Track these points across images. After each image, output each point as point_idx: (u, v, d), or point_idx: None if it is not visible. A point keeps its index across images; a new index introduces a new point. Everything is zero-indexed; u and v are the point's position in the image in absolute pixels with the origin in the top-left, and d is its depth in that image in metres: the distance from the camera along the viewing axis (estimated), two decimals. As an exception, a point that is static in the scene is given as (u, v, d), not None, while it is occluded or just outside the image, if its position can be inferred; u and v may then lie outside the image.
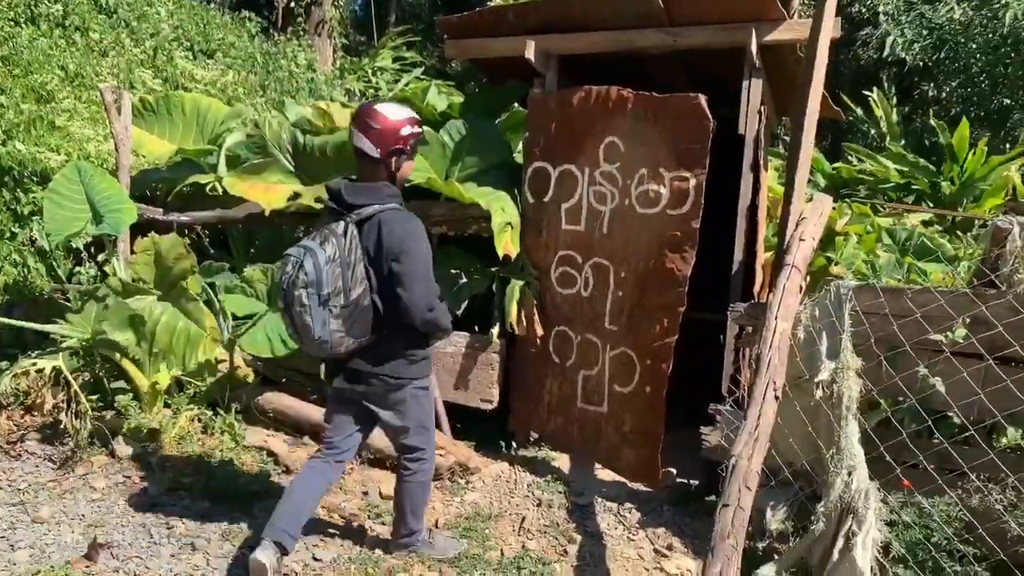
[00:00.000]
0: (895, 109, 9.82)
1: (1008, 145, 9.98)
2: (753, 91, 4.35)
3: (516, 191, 4.74)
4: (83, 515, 3.74)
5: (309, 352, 3.19)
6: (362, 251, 3.06)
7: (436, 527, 3.87)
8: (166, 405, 4.65)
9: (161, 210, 5.25)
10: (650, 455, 4.08)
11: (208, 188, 5.69)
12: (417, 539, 3.52)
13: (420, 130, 3.21)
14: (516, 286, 4.59)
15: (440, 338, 3.36)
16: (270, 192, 4.99)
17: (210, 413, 4.65)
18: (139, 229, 5.06)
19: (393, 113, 3.12)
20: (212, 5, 10.16)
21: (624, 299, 4.37)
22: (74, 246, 5.43)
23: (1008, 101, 10.68)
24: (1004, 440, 3.16)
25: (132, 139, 5.22)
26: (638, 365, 4.31)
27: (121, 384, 4.65)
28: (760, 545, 3.59)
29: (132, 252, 4.84)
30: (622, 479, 4.47)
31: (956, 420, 3.30)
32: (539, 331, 4.59)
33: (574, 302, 4.56)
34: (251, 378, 5.01)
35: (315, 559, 3.53)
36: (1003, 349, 3.20)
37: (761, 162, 4.65)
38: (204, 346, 4.22)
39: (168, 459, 4.27)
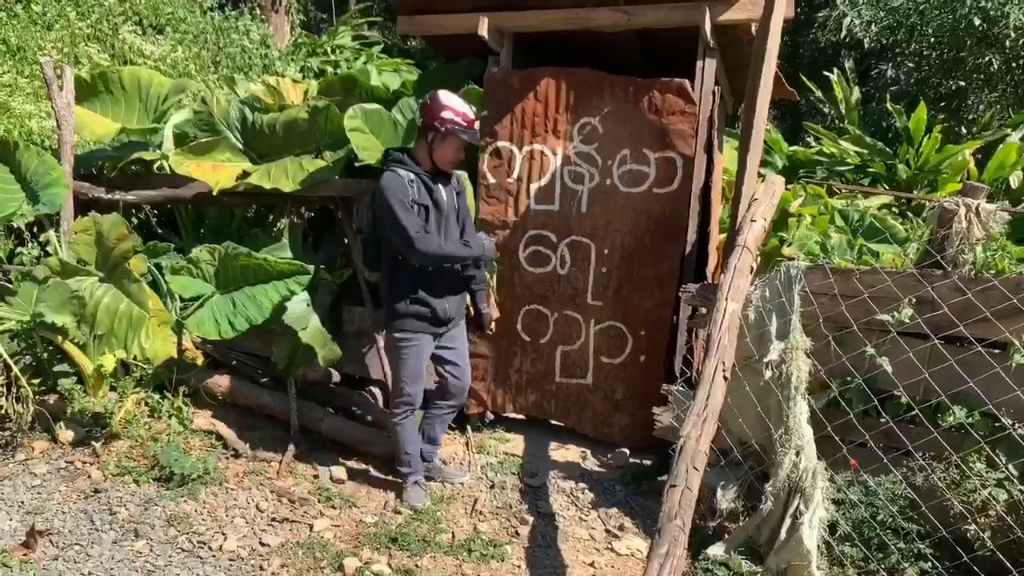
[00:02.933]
0: (854, 90, 9.88)
1: (963, 128, 10.10)
2: (707, 71, 4.33)
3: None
4: (22, 502, 3.65)
5: None
6: (370, 200, 3.79)
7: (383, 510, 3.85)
8: (112, 388, 4.54)
9: (105, 189, 5.09)
10: (645, 419, 4.20)
11: (155, 166, 5.56)
12: (404, 478, 3.98)
13: (463, 124, 3.68)
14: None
15: (476, 269, 3.92)
16: (218, 171, 4.87)
17: (157, 396, 4.55)
18: (83, 209, 4.91)
19: (445, 99, 3.66)
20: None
21: (609, 275, 4.53)
22: (15, 226, 5.26)
23: (962, 83, 10.80)
24: (949, 419, 3.19)
25: (75, 116, 5.05)
26: (630, 337, 4.50)
27: (65, 367, 4.53)
28: (711, 524, 3.61)
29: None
30: (575, 461, 4.46)
31: (903, 399, 3.32)
32: (495, 313, 4.56)
33: (547, 280, 4.69)
34: (200, 361, 4.91)
35: (262, 544, 3.48)
36: (948, 329, 3.23)
37: (715, 143, 4.63)
38: (148, 329, 4.10)
39: (113, 444, 4.17)
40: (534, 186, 4.63)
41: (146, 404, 4.48)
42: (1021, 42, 9.53)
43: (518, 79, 4.60)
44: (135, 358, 4.34)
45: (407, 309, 3.72)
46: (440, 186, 3.75)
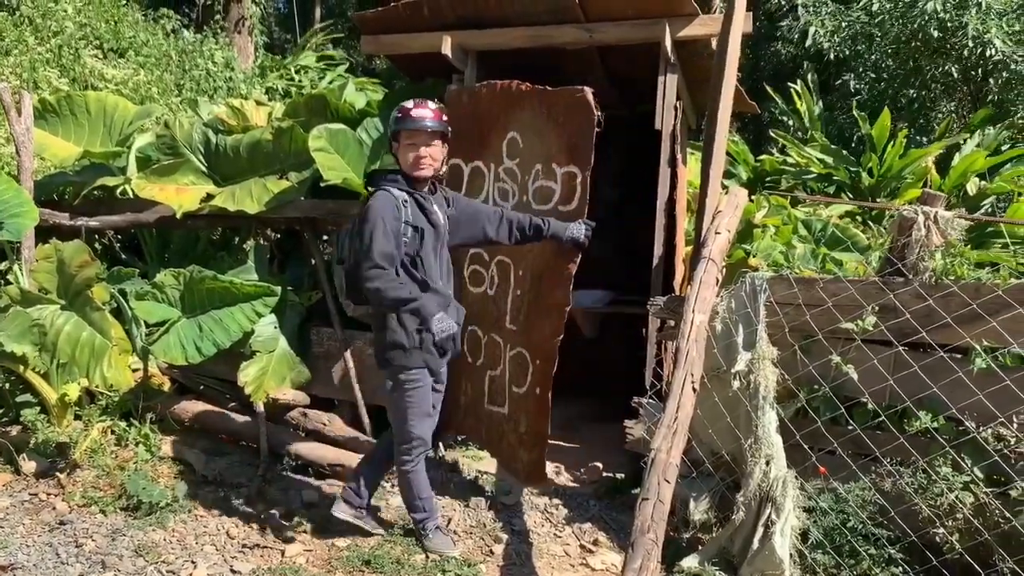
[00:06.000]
0: (817, 101, 10.04)
1: (923, 137, 10.29)
2: (669, 86, 4.38)
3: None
4: (-16, 537, 3.57)
5: None
6: (354, 227, 3.43)
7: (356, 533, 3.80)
8: (76, 417, 4.47)
9: (67, 215, 5.03)
10: (539, 457, 3.89)
11: (118, 191, 5.50)
12: (428, 525, 3.64)
13: (400, 115, 3.42)
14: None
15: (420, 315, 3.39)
16: (182, 194, 4.84)
17: (124, 424, 4.49)
18: (45, 235, 4.85)
19: (403, 103, 3.44)
20: (124, 2, 9.77)
21: (522, 298, 4.08)
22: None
23: (922, 92, 11.00)
24: (915, 425, 3.24)
25: (35, 141, 4.99)
26: (531, 365, 3.99)
27: (27, 397, 4.46)
28: (684, 536, 3.63)
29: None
30: (549, 476, 4.45)
31: (869, 406, 3.36)
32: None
33: (482, 301, 4.31)
34: (167, 387, 4.85)
35: (233, 571, 3.42)
36: (911, 335, 3.27)
37: (679, 157, 4.68)
38: (110, 357, 4.05)
39: (78, 474, 4.10)
40: None
41: (112, 432, 4.42)
42: (979, 51, 9.73)
43: (466, 95, 4.37)
44: (98, 386, 4.28)
45: (413, 342, 3.41)
46: (436, 206, 3.49)
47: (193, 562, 3.46)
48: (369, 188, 3.50)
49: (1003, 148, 8.46)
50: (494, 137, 4.19)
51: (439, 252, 3.50)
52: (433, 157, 3.44)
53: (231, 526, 3.79)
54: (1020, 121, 10.18)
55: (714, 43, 4.34)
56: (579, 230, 3.59)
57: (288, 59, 12.06)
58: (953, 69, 10.39)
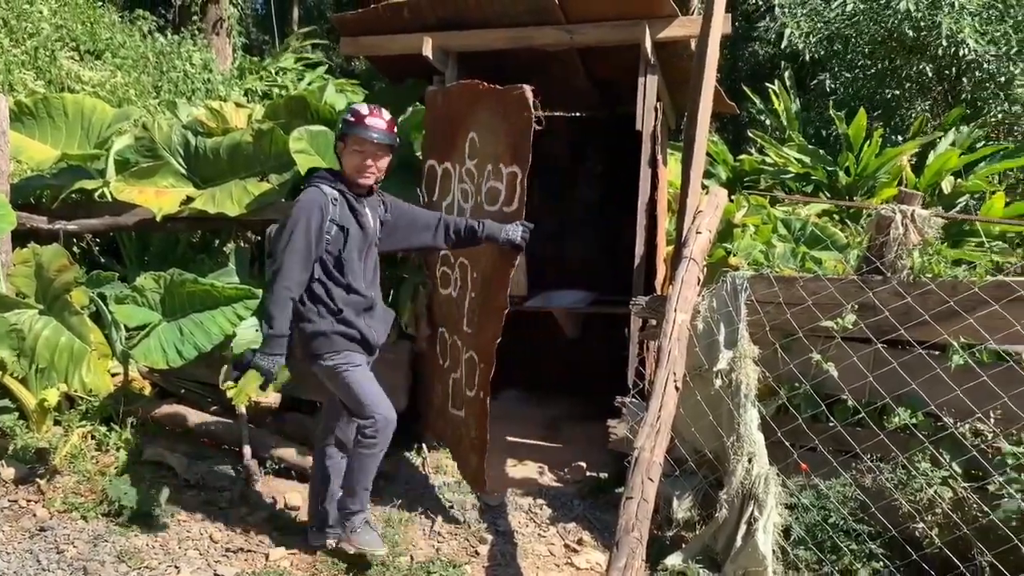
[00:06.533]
0: (794, 100, 10.12)
1: (899, 136, 10.40)
2: (649, 87, 4.40)
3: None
4: (-37, 545, 3.53)
5: None
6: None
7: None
8: (56, 423, 4.42)
9: (45, 218, 4.98)
10: (480, 462, 3.91)
11: (97, 194, 5.44)
12: (357, 519, 3.42)
13: (353, 119, 3.31)
14: (410, 285, 4.54)
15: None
16: (161, 197, 4.80)
17: (104, 429, 4.44)
18: (23, 239, 4.80)
19: (357, 107, 3.36)
20: (100, 3, 9.69)
21: (476, 300, 4.07)
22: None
23: (896, 93, 11.12)
24: (894, 420, 3.28)
25: (11, 144, 4.94)
26: (477, 369, 3.98)
27: (6, 403, 4.41)
28: (668, 534, 3.65)
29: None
30: (532, 477, 4.47)
31: (849, 403, 3.40)
32: (425, 331, 4.51)
33: (448, 303, 4.33)
34: (147, 391, 4.81)
35: (217, 575, 3.41)
36: (890, 333, 3.32)
37: (659, 158, 4.71)
38: (89, 362, 4.01)
39: (58, 480, 4.06)
40: (444, 203, 4.29)
41: (93, 437, 4.38)
42: (953, 50, 9.85)
43: (440, 95, 4.38)
44: (77, 391, 4.25)
45: (333, 328, 3.31)
46: (367, 209, 3.41)
47: (176, 567, 3.44)
48: (303, 186, 3.41)
49: (977, 146, 8.57)
50: (459, 137, 4.18)
51: (365, 255, 3.40)
52: (379, 168, 3.40)
53: (214, 530, 3.77)
54: (993, 120, 10.33)
55: (693, 44, 4.37)
56: (515, 232, 3.59)
57: (267, 61, 12.02)
58: (928, 68, 10.51)
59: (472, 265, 4.07)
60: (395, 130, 3.41)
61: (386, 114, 3.37)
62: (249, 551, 3.61)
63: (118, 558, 3.46)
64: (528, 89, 3.71)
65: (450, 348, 4.28)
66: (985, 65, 10.04)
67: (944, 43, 9.79)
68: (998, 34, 10.03)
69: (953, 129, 8.81)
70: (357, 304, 3.36)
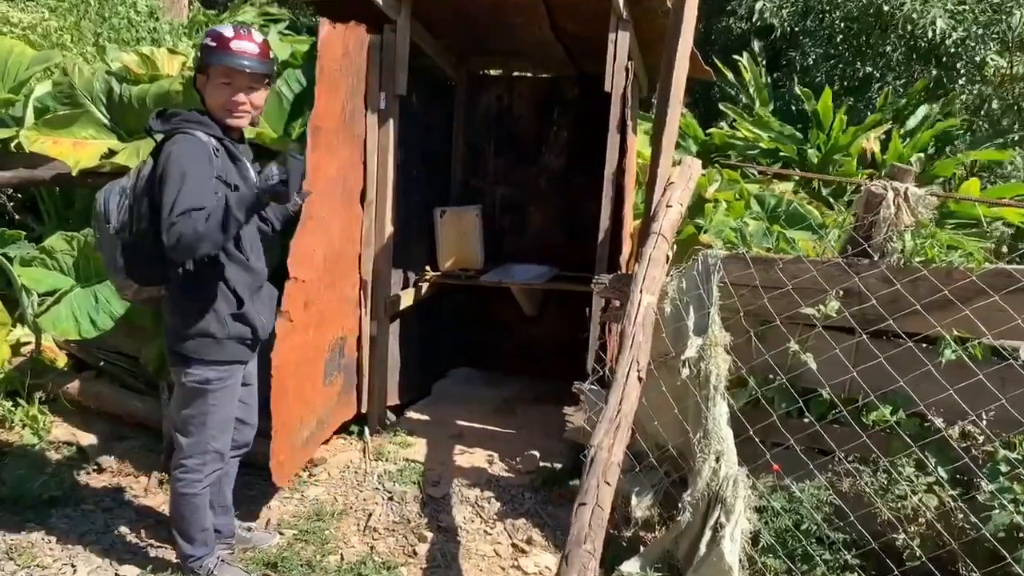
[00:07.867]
0: (764, 74, 9.83)
1: (870, 113, 10.17)
2: (620, 45, 4.03)
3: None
4: None
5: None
6: (147, 184, 2.65)
7: (267, 528, 3.44)
8: (-48, 397, 3.99)
9: (-50, 170, 4.49)
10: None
11: (12, 144, 4.95)
12: (199, 564, 2.92)
13: (214, 44, 2.65)
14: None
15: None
16: (79, 149, 4.33)
17: (8, 404, 4.03)
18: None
19: (219, 28, 2.70)
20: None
21: None
22: None
23: (870, 69, 10.89)
24: (871, 417, 2.98)
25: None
26: None
27: None
28: (626, 534, 3.34)
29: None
30: (481, 466, 4.13)
31: (827, 398, 3.10)
32: None
33: None
34: (61, 362, 4.39)
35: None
36: (876, 323, 3.01)
37: (629, 123, 4.34)
38: (-18, 330, 3.59)
39: (-50, 461, 3.65)
40: None
41: (-6, 413, 3.96)
42: (921, 30, 9.65)
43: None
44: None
45: (227, 331, 2.75)
46: (247, 160, 2.83)
47: (73, 565, 3.07)
48: (157, 131, 2.69)
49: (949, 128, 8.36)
50: None
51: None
52: (253, 104, 2.75)
53: (122, 523, 3.39)
54: (963, 97, 10.14)
55: (670, 1, 3.99)
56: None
57: (224, 15, 11.36)
58: (899, 44, 10.30)
59: None
60: (271, 55, 2.77)
61: (257, 35, 2.73)
62: (159, 547, 3.23)
63: (5, 555, 3.08)
64: (325, 21, 3.51)
65: None
66: (953, 49, 9.85)
67: (915, 18, 9.58)
68: (968, 15, 9.85)
69: (926, 105, 8.60)
70: (252, 285, 2.84)
